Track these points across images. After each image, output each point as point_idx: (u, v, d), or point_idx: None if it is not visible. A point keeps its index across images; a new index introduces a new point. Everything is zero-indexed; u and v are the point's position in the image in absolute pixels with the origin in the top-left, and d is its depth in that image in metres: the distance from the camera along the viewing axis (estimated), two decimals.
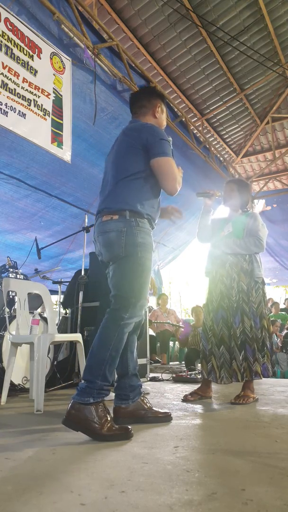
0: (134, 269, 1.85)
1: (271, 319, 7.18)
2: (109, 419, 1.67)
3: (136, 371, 2.01)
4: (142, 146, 1.90)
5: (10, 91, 3.53)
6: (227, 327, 2.64)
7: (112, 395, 2.05)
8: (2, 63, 3.49)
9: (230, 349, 2.60)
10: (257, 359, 2.54)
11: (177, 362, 6.48)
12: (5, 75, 3.50)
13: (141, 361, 3.66)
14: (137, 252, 1.84)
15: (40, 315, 3.25)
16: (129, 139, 1.96)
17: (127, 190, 1.89)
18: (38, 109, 3.82)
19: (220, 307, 2.69)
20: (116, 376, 2.00)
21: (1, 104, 3.43)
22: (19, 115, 3.60)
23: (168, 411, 2.06)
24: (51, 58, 4.01)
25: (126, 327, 1.81)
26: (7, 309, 2.99)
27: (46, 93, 3.91)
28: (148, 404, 2.00)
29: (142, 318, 2.03)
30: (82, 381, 1.72)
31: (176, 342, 7.00)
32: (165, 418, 1.99)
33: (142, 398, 1.99)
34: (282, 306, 9.35)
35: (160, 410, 2.03)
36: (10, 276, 3.48)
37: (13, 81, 3.58)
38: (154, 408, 2.01)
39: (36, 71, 3.81)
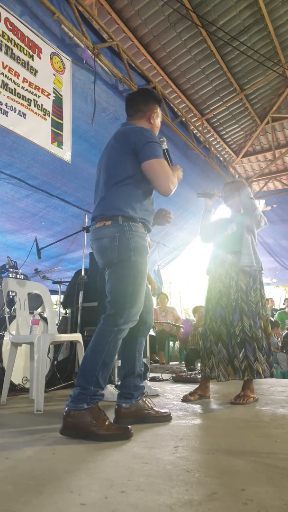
0: (127, 274, 1.84)
1: (274, 320, 7.17)
2: (106, 418, 1.68)
3: (142, 371, 2.04)
4: (131, 151, 1.90)
5: (10, 91, 3.53)
6: (225, 325, 2.65)
7: (114, 397, 2.05)
8: (2, 63, 3.49)
9: (229, 347, 2.61)
10: (258, 358, 2.54)
11: (177, 362, 6.48)
12: (5, 75, 3.50)
13: None
14: (131, 257, 1.83)
15: (40, 315, 3.25)
16: (118, 144, 1.96)
17: (119, 195, 1.89)
18: (38, 109, 3.82)
19: (218, 305, 2.70)
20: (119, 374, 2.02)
21: (1, 104, 3.43)
22: (19, 115, 3.60)
23: (167, 411, 2.07)
24: (51, 58, 4.01)
25: (120, 333, 1.80)
26: (7, 309, 2.98)
27: (46, 93, 3.91)
28: (149, 404, 2.01)
29: (150, 323, 2.08)
30: (76, 387, 1.73)
31: (176, 342, 7.00)
32: (165, 418, 2.01)
33: (144, 398, 2.00)
34: (282, 306, 9.34)
35: (160, 410, 2.04)
36: (10, 276, 3.47)
37: (13, 81, 3.58)
38: (155, 408, 2.02)
39: (36, 71, 3.81)
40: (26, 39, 3.73)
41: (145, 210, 1.95)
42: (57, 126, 4.00)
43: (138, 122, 2.08)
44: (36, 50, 3.84)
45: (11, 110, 3.51)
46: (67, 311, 4.18)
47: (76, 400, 1.67)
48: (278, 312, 8.30)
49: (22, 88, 3.66)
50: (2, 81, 3.47)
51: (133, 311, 1.83)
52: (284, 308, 8.36)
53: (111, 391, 2.68)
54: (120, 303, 1.82)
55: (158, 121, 2.15)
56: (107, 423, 1.66)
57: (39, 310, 3.71)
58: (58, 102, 4.06)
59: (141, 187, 1.93)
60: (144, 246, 1.91)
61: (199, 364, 4.82)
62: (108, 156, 2.00)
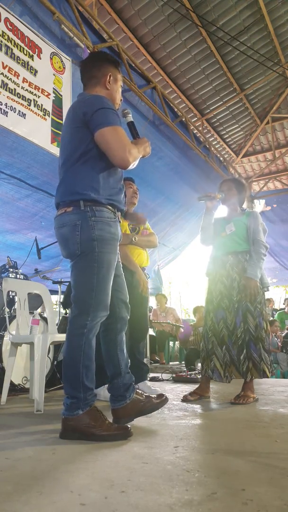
0: (91, 267, 1.68)
1: (270, 319, 7.19)
2: (105, 419, 1.66)
3: (129, 368, 1.91)
4: (82, 123, 1.69)
5: (10, 91, 3.53)
6: (227, 327, 2.63)
7: (107, 396, 2.01)
8: (2, 63, 3.49)
9: (232, 349, 2.60)
10: (263, 359, 2.53)
11: (177, 362, 6.48)
12: (5, 75, 3.51)
13: None
14: (94, 247, 1.67)
15: (40, 315, 3.25)
16: (69, 120, 1.78)
17: (78, 177, 1.70)
18: (38, 109, 3.82)
19: (219, 307, 2.67)
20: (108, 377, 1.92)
21: (1, 104, 3.43)
22: (19, 115, 3.60)
23: (163, 394, 2.00)
24: (51, 58, 4.01)
25: (91, 331, 1.69)
26: (7, 309, 2.98)
27: (46, 93, 3.91)
28: (144, 395, 1.93)
29: (126, 317, 1.93)
30: (66, 396, 1.68)
31: (177, 342, 7.00)
32: (162, 402, 1.94)
33: (136, 392, 1.92)
34: (282, 306, 9.34)
35: (154, 396, 1.96)
36: (10, 276, 3.47)
37: (13, 81, 3.58)
38: (148, 395, 1.94)
39: (36, 71, 3.82)
40: (26, 39, 3.74)
41: (110, 188, 1.74)
42: (57, 126, 4.00)
43: (93, 90, 1.85)
44: (36, 50, 3.85)
45: (11, 110, 3.52)
46: (67, 311, 4.18)
47: (70, 409, 1.64)
48: (278, 312, 8.29)
49: (22, 88, 3.66)
50: (2, 81, 3.47)
51: (100, 307, 1.70)
52: (284, 308, 8.35)
53: None
54: (84, 300, 1.69)
55: (116, 86, 1.89)
56: (106, 423, 1.65)
57: (39, 310, 3.71)
58: (58, 102, 4.06)
59: (100, 163, 1.71)
60: (111, 232, 1.72)
61: (199, 364, 4.82)
62: (62, 136, 1.83)
